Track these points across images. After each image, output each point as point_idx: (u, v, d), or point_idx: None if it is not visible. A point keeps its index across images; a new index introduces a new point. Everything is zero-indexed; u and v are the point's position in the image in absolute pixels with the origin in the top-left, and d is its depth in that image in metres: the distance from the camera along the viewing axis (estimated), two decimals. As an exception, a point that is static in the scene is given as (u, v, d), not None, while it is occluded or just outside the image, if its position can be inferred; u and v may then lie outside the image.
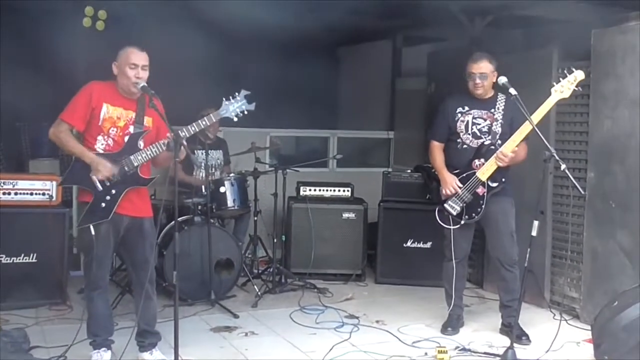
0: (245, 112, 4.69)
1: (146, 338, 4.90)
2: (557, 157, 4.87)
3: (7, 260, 5.96)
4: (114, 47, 4.76)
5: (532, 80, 6.09)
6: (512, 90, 5.05)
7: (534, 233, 4.98)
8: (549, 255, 6.46)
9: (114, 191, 4.57)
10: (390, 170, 8.20)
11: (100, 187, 4.54)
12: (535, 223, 4.98)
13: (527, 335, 5.52)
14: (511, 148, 5.30)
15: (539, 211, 5.22)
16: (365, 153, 9.97)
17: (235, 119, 4.67)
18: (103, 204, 4.55)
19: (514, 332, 5.26)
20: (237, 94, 4.69)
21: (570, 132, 6.33)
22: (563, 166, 4.82)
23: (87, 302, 4.78)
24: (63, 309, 6.01)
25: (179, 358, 4.38)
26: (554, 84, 5.18)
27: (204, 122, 4.63)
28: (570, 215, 6.20)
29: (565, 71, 5.19)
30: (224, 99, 4.67)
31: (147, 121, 4.72)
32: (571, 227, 6.19)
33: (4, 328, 5.17)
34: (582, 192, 5.13)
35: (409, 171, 7.55)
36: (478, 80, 5.47)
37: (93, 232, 4.54)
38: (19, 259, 6.00)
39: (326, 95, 10.29)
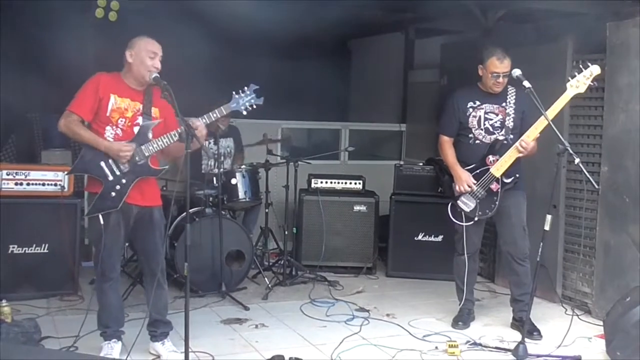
0: (254, 106, 4.75)
1: (158, 327, 4.92)
2: (570, 151, 4.84)
3: (19, 250, 5.98)
4: (126, 38, 4.77)
5: (546, 73, 6.05)
6: (526, 83, 5.01)
7: (546, 227, 4.96)
8: (561, 249, 6.43)
9: (124, 180, 4.58)
10: (402, 163, 8.19)
11: (110, 177, 4.55)
12: (548, 217, 4.96)
13: (538, 331, 5.50)
14: (531, 139, 5.25)
15: (551, 205, 5.19)
16: (377, 146, 9.95)
17: (244, 113, 4.77)
18: (113, 193, 4.55)
19: (526, 327, 5.23)
20: (246, 88, 4.74)
21: (584, 126, 6.28)
22: (577, 160, 4.79)
23: (98, 293, 4.79)
24: (74, 299, 6.04)
25: (190, 349, 4.39)
26: (570, 78, 5.13)
27: (214, 115, 4.68)
28: (584, 209, 6.16)
29: (581, 66, 5.13)
30: (234, 92, 4.74)
31: (155, 112, 4.73)
32: (584, 222, 6.16)
33: (16, 318, 5.19)
34: (596, 187, 5.10)
35: (420, 164, 7.53)
36: (501, 79, 5.41)
37: (102, 222, 4.54)
38: (31, 250, 6.03)
39: (338, 88, 10.27)
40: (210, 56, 7.45)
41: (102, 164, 4.55)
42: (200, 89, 6.90)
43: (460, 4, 7.07)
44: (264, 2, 6.40)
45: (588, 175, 4.81)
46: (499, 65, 5.38)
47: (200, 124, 4.58)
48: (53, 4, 6.77)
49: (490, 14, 7.43)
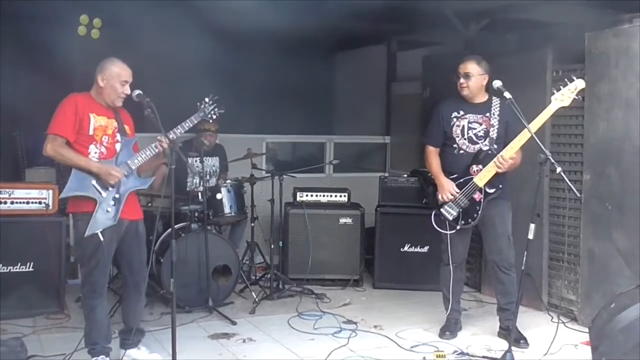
0: (217, 114, 5.10)
1: (134, 335, 4.96)
2: (552, 160, 4.88)
3: (4, 269, 5.95)
4: (109, 55, 4.80)
5: (526, 83, 6.12)
6: (507, 94, 5.06)
7: (530, 236, 4.99)
8: (546, 258, 6.47)
9: (117, 195, 4.68)
10: (386, 175, 8.21)
11: (104, 193, 4.63)
12: (532, 226, 4.99)
13: (525, 339, 5.52)
14: (510, 154, 5.31)
15: (535, 214, 5.23)
16: (362, 158, 9.98)
17: (211, 121, 5.20)
18: (108, 209, 4.64)
19: (512, 335, 5.25)
20: (207, 99, 5.10)
21: (565, 135, 6.34)
22: (559, 169, 4.83)
23: (88, 310, 4.80)
24: (60, 317, 6.00)
25: (177, 365, 4.39)
26: (554, 91, 5.18)
27: (187, 124, 4.90)
28: (567, 217, 6.22)
29: (566, 79, 5.18)
30: (198, 103, 5.07)
31: (127, 129, 4.89)
32: (568, 230, 6.22)
33: (2, 337, 5.16)
34: (578, 195, 5.17)
35: (405, 176, 7.56)
36: (462, 80, 5.52)
37: (102, 239, 4.59)
38: (16, 268, 6.00)
39: (322, 101, 10.30)
40: (193, 70, 7.46)
41: (94, 182, 4.62)
42: (183, 100, 6.92)
43: (441, 14, 7.12)
44: (245, 16, 6.41)
45: (570, 184, 4.85)
46: (459, 66, 5.53)
47: (173, 137, 4.72)
48: (38, 21, 6.78)
49: (472, 25, 7.48)
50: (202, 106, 5.05)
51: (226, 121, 5.61)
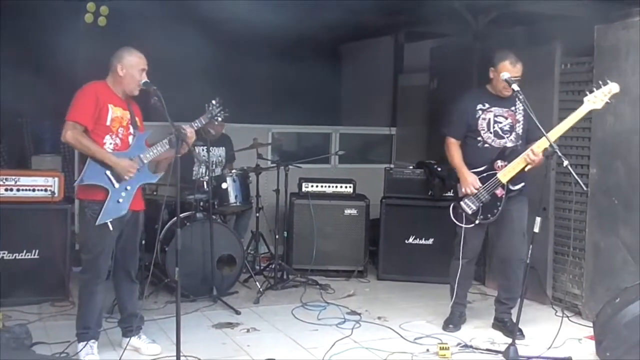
0: (222, 117, 5.39)
1: (133, 322, 5.01)
2: (559, 154, 4.86)
3: (9, 256, 5.96)
4: (116, 43, 4.81)
5: (535, 77, 6.08)
6: (515, 86, 5.04)
7: (536, 229, 4.98)
8: (551, 251, 6.46)
9: (128, 187, 4.76)
10: (392, 166, 8.19)
11: (117, 184, 4.70)
12: (538, 219, 4.98)
13: (520, 330, 5.46)
14: (541, 150, 5.21)
15: (541, 207, 5.21)
16: (368, 149, 9.96)
17: (216, 123, 5.65)
18: (120, 200, 4.72)
19: (515, 328, 5.21)
20: (213, 101, 5.33)
21: (572, 128, 6.25)
22: (566, 162, 4.80)
23: (87, 296, 4.83)
24: (65, 305, 6.01)
25: (181, 354, 4.39)
26: (587, 93, 5.08)
27: (196, 124, 5.03)
28: (573, 211, 6.20)
29: (600, 82, 5.08)
30: (206, 105, 5.31)
31: (138, 122, 4.92)
32: (573, 224, 6.20)
33: (7, 324, 5.18)
34: (585, 189, 5.14)
35: (411, 167, 7.54)
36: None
37: (111, 228, 4.68)
38: (21, 256, 6.00)
39: (328, 92, 10.29)
40: (200, 59, 7.45)
41: (108, 172, 4.68)
42: (189, 90, 6.91)
43: (450, 6, 7.09)
44: (254, 6, 6.40)
45: (577, 178, 4.83)
46: (511, 69, 5.33)
47: (191, 130, 4.82)
48: (44, 9, 6.77)
49: (481, 17, 7.45)
50: (210, 108, 5.27)
51: (232, 111, 5.61)
